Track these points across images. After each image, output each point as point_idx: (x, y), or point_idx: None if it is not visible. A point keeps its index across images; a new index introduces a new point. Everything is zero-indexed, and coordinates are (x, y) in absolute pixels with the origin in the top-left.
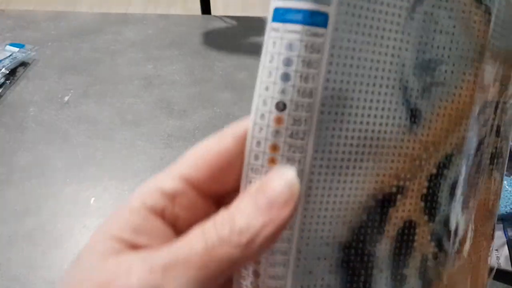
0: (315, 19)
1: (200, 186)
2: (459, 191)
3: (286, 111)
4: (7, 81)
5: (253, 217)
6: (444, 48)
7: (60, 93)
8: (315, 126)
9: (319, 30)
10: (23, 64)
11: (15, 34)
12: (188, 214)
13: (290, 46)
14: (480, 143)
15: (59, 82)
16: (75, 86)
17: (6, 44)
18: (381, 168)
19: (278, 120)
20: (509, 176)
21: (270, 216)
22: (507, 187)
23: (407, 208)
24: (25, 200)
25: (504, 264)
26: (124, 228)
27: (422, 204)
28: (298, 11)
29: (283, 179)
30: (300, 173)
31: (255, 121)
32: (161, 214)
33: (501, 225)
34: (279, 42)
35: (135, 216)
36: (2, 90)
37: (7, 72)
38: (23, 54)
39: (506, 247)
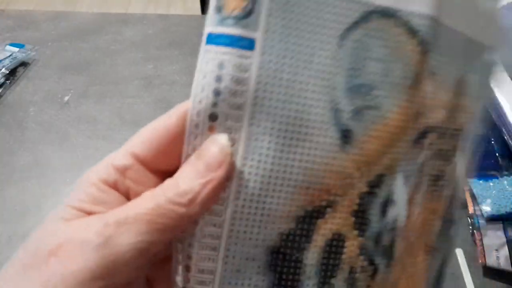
0: (242, 43)
1: (148, 161)
2: (394, 210)
3: (218, 121)
4: (7, 81)
5: (193, 180)
6: (376, 74)
7: (60, 93)
8: (245, 135)
9: (246, 52)
10: (23, 64)
11: (15, 34)
12: (138, 186)
13: (220, 65)
14: (422, 166)
15: (59, 82)
16: (75, 86)
17: (6, 44)
18: (311, 183)
19: (211, 129)
20: (509, 176)
21: (207, 178)
22: (507, 187)
23: (336, 221)
24: (25, 200)
25: (504, 264)
26: (83, 199)
27: (353, 219)
28: (228, 36)
29: (216, 144)
30: (231, 177)
31: (190, 131)
32: (114, 186)
33: (501, 225)
34: (211, 62)
35: (92, 188)
36: (2, 90)
37: (7, 72)
38: (23, 54)
39: (506, 247)
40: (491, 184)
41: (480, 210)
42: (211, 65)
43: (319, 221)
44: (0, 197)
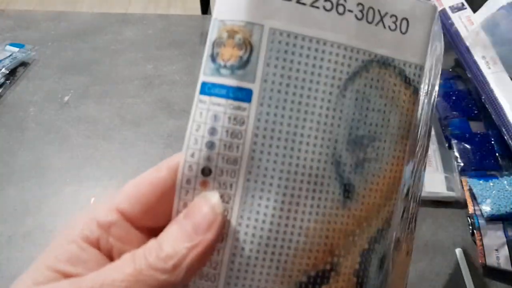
0: (238, 94)
1: (134, 218)
2: (389, 263)
3: (212, 175)
4: (7, 81)
5: (179, 242)
6: (376, 125)
7: (60, 93)
8: (241, 191)
9: (243, 104)
10: (23, 64)
11: (15, 34)
12: (122, 245)
13: (215, 117)
14: (403, 211)
15: (59, 82)
16: (75, 86)
17: (6, 44)
18: (314, 244)
19: (204, 184)
20: (509, 176)
21: (195, 240)
22: (507, 187)
23: (339, 284)
24: (25, 200)
25: (504, 264)
26: (60, 258)
27: (354, 279)
28: (223, 86)
29: (207, 203)
30: (225, 238)
31: (181, 186)
32: (96, 244)
33: (501, 225)
34: (205, 113)
35: (71, 245)
36: (2, 90)
37: (7, 72)
38: (23, 54)
39: (506, 247)
40: (491, 184)
41: (480, 210)
42: (205, 116)
43: (323, 287)
44: (0, 197)
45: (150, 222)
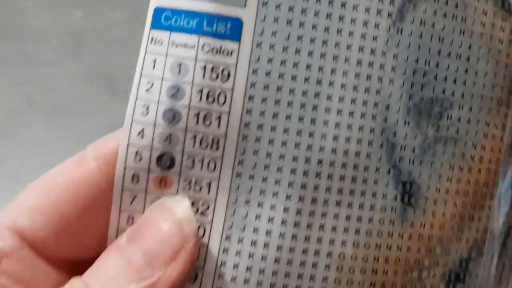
0: (219, 27)
1: (42, 244)
2: None
3: (175, 168)
4: None
5: (122, 283)
6: (454, 81)
7: None
8: (227, 194)
9: (227, 44)
10: None
11: None
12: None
13: (179, 68)
14: (510, 228)
15: None
16: None
17: None
18: (350, 284)
19: (162, 183)
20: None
21: (149, 279)
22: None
23: None
24: None
25: None
26: None
27: None
28: (193, 14)
29: (168, 217)
30: (201, 274)
31: (122, 188)
32: None
33: None
34: (161, 62)
35: None
36: None
37: None
38: None
39: None
40: None
41: None
42: (161, 67)
43: None
44: None
45: (69, 250)
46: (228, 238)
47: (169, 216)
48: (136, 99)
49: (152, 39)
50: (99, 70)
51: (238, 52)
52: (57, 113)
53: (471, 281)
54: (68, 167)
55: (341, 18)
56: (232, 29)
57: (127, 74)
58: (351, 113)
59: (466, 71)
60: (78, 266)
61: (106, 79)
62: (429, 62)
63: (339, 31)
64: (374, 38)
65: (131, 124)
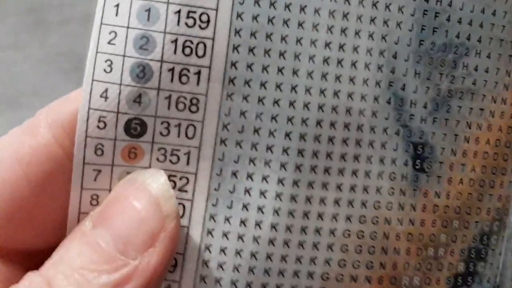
0: None
1: None
2: None
3: (147, 135)
4: None
5: (89, 274)
6: (470, 23)
7: None
8: (210, 168)
9: None
10: None
11: None
12: None
13: (148, 14)
14: None
15: None
16: None
17: None
18: (358, 265)
19: (132, 154)
20: None
21: (122, 270)
22: None
23: None
24: None
25: None
26: None
27: None
28: None
29: (141, 195)
30: (181, 263)
31: (84, 160)
32: None
33: None
34: (126, 5)
35: None
36: None
37: None
38: None
39: None
40: None
41: None
42: (126, 10)
43: None
44: None
45: (22, 240)
46: (212, 217)
47: (143, 194)
48: (96, 53)
49: None
50: (66, 53)
51: None
52: (17, 105)
53: (494, 259)
54: (16, 138)
55: None
56: None
57: None
58: (353, 63)
59: (483, 11)
60: (34, 258)
61: (75, 63)
62: (441, 0)
63: None
64: None
65: (92, 83)
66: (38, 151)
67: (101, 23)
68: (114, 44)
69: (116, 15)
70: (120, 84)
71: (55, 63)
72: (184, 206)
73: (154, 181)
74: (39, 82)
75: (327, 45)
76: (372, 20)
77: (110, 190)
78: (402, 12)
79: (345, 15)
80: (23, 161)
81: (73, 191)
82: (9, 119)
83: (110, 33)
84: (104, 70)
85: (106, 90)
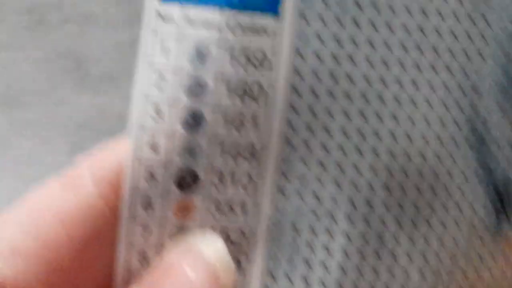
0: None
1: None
2: None
3: (199, 187)
4: None
5: None
6: None
7: None
8: (266, 223)
9: (264, 19)
10: None
11: None
12: None
13: (199, 55)
14: None
15: None
16: None
17: None
18: None
19: (184, 208)
20: None
21: None
22: None
23: None
24: None
25: None
26: None
27: None
28: None
29: (197, 264)
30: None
31: (130, 217)
32: None
33: None
34: (174, 46)
35: None
36: None
37: None
38: None
39: None
40: None
41: None
42: (175, 53)
43: None
44: None
45: None
46: (270, 273)
47: (199, 262)
48: (142, 97)
49: (159, 15)
50: (66, 53)
51: (277, 29)
52: (16, 105)
53: None
54: (57, 191)
55: None
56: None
57: (100, 58)
58: (428, 101)
59: None
60: None
61: (75, 63)
62: None
63: None
64: (460, 2)
65: (138, 131)
66: (83, 209)
67: (148, 64)
68: (161, 89)
69: (164, 55)
70: (170, 133)
71: (55, 63)
72: (239, 262)
73: (211, 248)
74: (38, 82)
75: (399, 82)
76: (451, 50)
77: (159, 246)
78: (485, 39)
79: (418, 47)
80: (66, 221)
81: (120, 249)
82: (9, 119)
83: (157, 75)
84: (152, 118)
85: (154, 140)
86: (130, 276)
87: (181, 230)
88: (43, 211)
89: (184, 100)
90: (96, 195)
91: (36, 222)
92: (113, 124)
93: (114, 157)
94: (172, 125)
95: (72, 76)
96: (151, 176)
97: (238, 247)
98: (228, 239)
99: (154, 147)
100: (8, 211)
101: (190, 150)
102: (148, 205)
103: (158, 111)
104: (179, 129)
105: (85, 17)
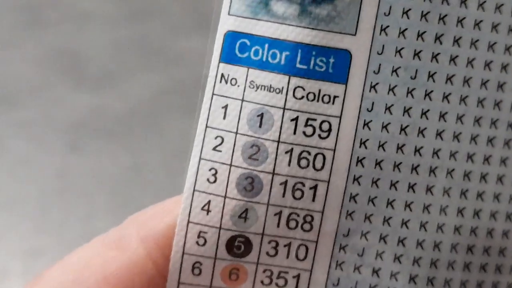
0: (321, 63)
1: None
2: None
3: (252, 254)
4: None
5: None
6: None
7: None
8: None
9: (331, 87)
10: None
11: None
12: None
13: (261, 120)
14: None
15: None
16: None
17: None
18: None
19: (234, 276)
20: None
21: None
22: None
23: None
24: None
25: None
26: None
27: None
28: (283, 44)
29: None
30: None
31: (178, 281)
32: None
33: None
34: (236, 109)
35: None
36: None
37: None
38: None
39: None
40: None
41: None
42: (235, 116)
43: None
44: None
45: None
46: None
47: None
48: (199, 159)
49: (222, 77)
50: (63, 51)
51: (344, 98)
52: (14, 104)
53: None
54: (102, 252)
55: (490, 46)
56: (336, 65)
57: (97, 57)
58: (500, 178)
59: None
60: None
61: (72, 62)
62: None
63: (486, 64)
64: None
65: (193, 193)
66: (129, 269)
67: (206, 126)
68: (220, 151)
69: (224, 118)
70: (225, 197)
71: (52, 61)
72: None
73: None
74: (36, 81)
75: (470, 157)
76: None
77: None
78: None
79: (493, 122)
80: (112, 281)
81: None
82: (6, 118)
83: (216, 138)
84: (208, 180)
85: (208, 203)
86: None
87: None
88: (87, 270)
89: (242, 164)
90: (143, 255)
91: (78, 281)
92: (111, 124)
93: (164, 219)
94: (228, 189)
95: (69, 75)
96: (202, 239)
97: None
98: None
99: (207, 210)
100: (50, 269)
101: (244, 215)
102: (196, 269)
103: (214, 174)
104: (235, 194)
105: (82, 15)
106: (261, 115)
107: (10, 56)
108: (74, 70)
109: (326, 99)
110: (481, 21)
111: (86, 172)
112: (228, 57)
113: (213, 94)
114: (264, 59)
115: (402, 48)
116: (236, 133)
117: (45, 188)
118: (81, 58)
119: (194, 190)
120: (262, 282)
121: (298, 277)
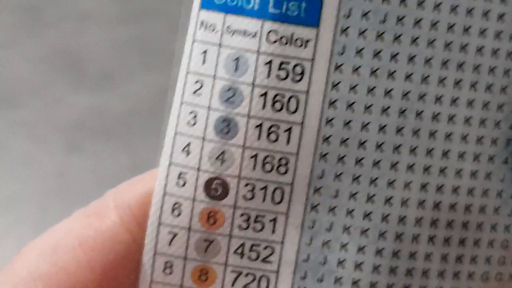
0: (293, 7)
1: None
2: None
3: (228, 198)
4: None
5: None
6: None
7: None
8: (298, 237)
9: (303, 31)
10: None
11: None
12: None
13: (237, 64)
14: None
15: None
16: None
17: None
18: None
19: (212, 218)
20: None
21: None
22: None
23: None
24: None
25: None
26: None
27: None
28: None
29: None
30: None
31: (157, 245)
32: None
33: None
34: (214, 54)
35: None
36: None
37: None
38: None
39: None
40: None
41: None
42: (213, 61)
43: None
44: None
45: None
46: None
47: None
48: (181, 103)
49: (202, 23)
50: (63, 51)
51: (316, 41)
52: (13, 104)
53: None
54: (79, 220)
55: None
56: (308, 10)
57: (97, 57)
58: (467, 120)
59: None
60: None
61: (71, 62)
62: None
63: (453, 9)
64: (500, 17)
65: (175, 136)
66: (104, 236)
67: (187, 72)
68: (200, 94)
69: (203, 63)
70: (203, 139)
71: (51, 61)
72: (268, 280)
73: None
74: (35, 81)
75: (438, 99)
76: (492, 70)
77: (184, 258)
78: None
79: (460, 66)
80: (86, 246)
81: (145, 255)
82: (5, 118)
83: (195, 82)
84: (188, 123)
85: (188, 145)
86: None
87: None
88: (64, 237)
89: (220, 107)
90: (118, 223)
91: (56, 247)
92: (111, 124)
93: (140, 188)
94: (206, 131)
95: (68, 74)
96: (182, 180)
97: (268, 264)
98: (257, 257)
99: (187, 151)
100: (36, 239)
101: (221, 158)
102: (176, 209)
103: (194, 116)
104: (212, 136)
105: (81, 15)
106: (237, 59)
107: (10, 56)
108: (74, 70)
109: (298, 42)
110: None
111: (86, 172)
112: (206, 3)
113: (193, 40)
114: (239, 4)
115: None
116: (214, 77)
117: (45, 188)
118: (81, 58)
119: (175, 133)
120: (239, 226)
121: (274, 220)
